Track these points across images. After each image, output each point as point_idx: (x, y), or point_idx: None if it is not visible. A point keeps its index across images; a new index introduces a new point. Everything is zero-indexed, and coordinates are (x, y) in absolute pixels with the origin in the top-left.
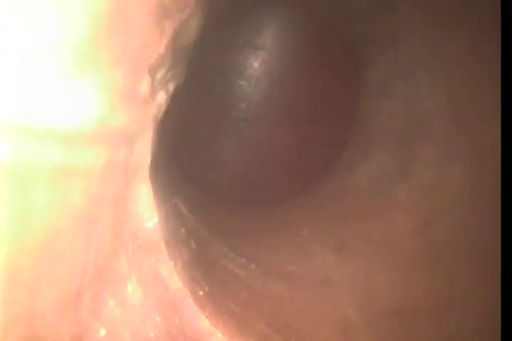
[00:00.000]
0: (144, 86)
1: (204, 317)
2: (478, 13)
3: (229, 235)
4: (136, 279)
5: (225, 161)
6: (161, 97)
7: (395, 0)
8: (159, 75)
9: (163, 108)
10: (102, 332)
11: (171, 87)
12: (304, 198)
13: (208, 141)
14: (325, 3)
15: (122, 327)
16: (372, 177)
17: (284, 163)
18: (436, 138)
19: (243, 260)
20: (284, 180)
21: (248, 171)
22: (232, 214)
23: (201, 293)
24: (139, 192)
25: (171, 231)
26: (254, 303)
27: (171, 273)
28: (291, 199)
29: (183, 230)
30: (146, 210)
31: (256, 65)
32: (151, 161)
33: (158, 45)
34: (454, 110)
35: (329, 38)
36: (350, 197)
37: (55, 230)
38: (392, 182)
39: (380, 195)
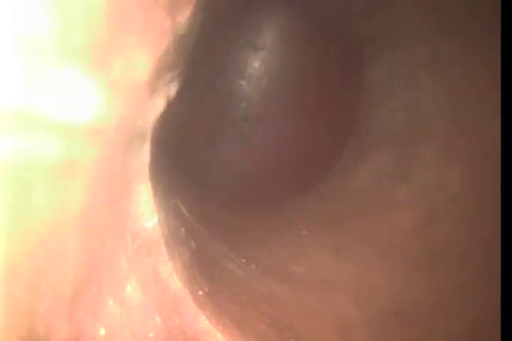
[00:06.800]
0: (145, 85)
1: (204, 317)
2: (478, 13)
3: (229, 235)
4: (135, 279)
5: (224, 161)
6: (162, 97)
7: (395, 1)
8: (160, 75)
9: (164, 107)
10: (102, 331)
11: (172, 86)
12: (304, 198)
13: (207, 140)
14: (325, 4)
15: (122, 327)
16: (372, 177)
17: (284, 162)
18: (436, 138)
19: (243, 260)
20: (284, 180)
21: (248, 171)
22: (232, 214)
23: (201, 293)
24: (139, 192)
25: (170, 232)
26: (254, 303)
27: (170, 273)
28: (291, 200)
29: (183, 230)
30: (146, 210)
31: (256, 65)
32: (151, 161)
33: (160, 45)
34: (454, 110)
35: (329, 37)
36: (350, 197)
37: (55, 229)
38: (392, 182)
39: (379, 195)
